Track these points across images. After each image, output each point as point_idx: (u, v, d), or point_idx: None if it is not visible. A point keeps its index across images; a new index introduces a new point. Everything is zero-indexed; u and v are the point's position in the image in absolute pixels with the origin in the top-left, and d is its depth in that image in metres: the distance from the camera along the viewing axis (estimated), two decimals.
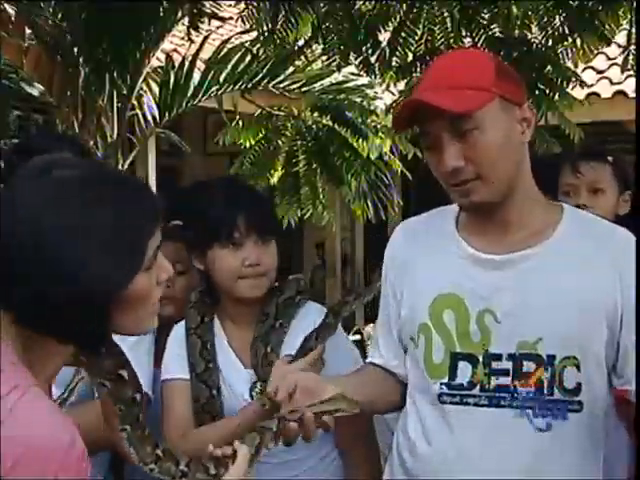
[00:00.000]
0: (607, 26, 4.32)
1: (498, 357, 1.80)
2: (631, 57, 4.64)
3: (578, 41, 4.41)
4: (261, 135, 5.92)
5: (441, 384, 1.84)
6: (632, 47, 4.56)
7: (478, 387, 1.81)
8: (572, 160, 2.81)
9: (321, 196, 5.93)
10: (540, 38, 4.40)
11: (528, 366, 1.79)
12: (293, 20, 4.31)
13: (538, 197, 1.89)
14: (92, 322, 1.30)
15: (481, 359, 1.81)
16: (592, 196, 2.75)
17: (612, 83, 8.04)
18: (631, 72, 5.53)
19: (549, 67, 4.13)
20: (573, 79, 4.32)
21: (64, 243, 1.27)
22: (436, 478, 1.84)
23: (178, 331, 2.24)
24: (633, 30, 4.43)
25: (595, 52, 4.68)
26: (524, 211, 1.85)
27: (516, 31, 4.38)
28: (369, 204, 6.00)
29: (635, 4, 4.13)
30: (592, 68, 7.80)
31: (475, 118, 1.75)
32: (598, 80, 8.10)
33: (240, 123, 5.95)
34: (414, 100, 1.80)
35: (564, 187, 2.79)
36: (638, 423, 1.79)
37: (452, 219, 1.94)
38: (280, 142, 5.91)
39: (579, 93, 5.55)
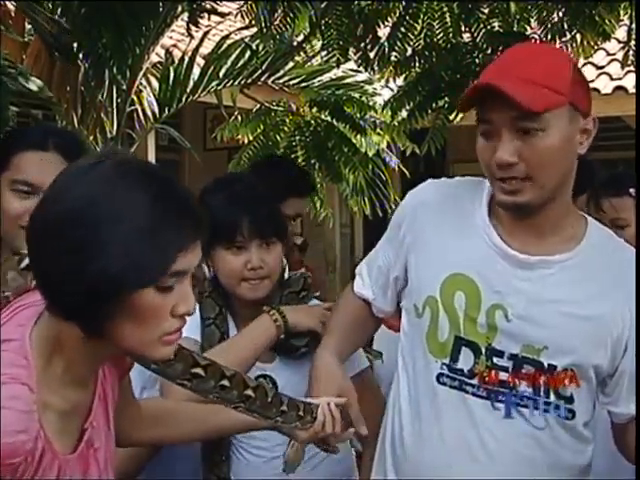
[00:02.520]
0: (607, 22, 4.32)
1: (500, 354, 1.80)
2: (631, 53, 4.64)
3: (578, 36, 4.41)
4: (260, 130, 5.91)
5: (442, 364, 1.82)
6: (632, 43, 4.56)
7: (478, 378, 1.80)
8: (595, 196, 2.90)
9: (319, 192, 5.91)
10: (539, 33, 4.39)
11: (527, 369, 1.79)
12: (291, 15, 4.30)
13: (572, 206, 1.86)
14: (92, 310, 1.29)
15: (484, 351, 1.80)
16: (615, 230, 2.78)
17: (612, 79, 8.03)
18: (631, 68, 5.51)
19: None
20: None
21: (96, 225, 1.26)
22: (431, 474, 1.84)
23: (191, 321, 2.22)
24: (633, 26, 4.43)
25: (595, 48, 4.67)
26: (558, 218, 1.81)
27: (515, 26, 4.37)
28: (366, 200, 5.99)
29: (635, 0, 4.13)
30: (592, 64, 7.78)
31: (542, 119, 1.69)
32: (598, 76, 8.09)
33: (239, 118, 5.94)
34: (489, 85, 1.70)
35: None
36: (639, 428, 1.80)
37: (485, 198, 1.87)
38: (279, 137, 5.89)
39: None
